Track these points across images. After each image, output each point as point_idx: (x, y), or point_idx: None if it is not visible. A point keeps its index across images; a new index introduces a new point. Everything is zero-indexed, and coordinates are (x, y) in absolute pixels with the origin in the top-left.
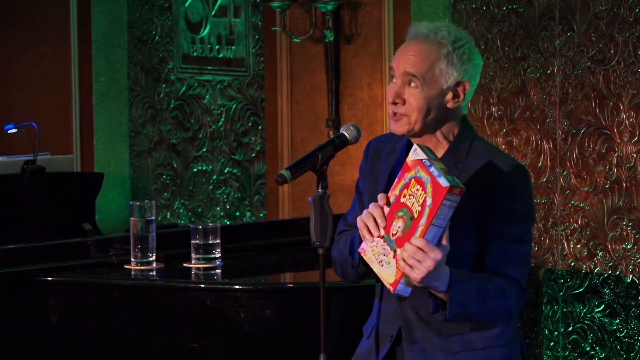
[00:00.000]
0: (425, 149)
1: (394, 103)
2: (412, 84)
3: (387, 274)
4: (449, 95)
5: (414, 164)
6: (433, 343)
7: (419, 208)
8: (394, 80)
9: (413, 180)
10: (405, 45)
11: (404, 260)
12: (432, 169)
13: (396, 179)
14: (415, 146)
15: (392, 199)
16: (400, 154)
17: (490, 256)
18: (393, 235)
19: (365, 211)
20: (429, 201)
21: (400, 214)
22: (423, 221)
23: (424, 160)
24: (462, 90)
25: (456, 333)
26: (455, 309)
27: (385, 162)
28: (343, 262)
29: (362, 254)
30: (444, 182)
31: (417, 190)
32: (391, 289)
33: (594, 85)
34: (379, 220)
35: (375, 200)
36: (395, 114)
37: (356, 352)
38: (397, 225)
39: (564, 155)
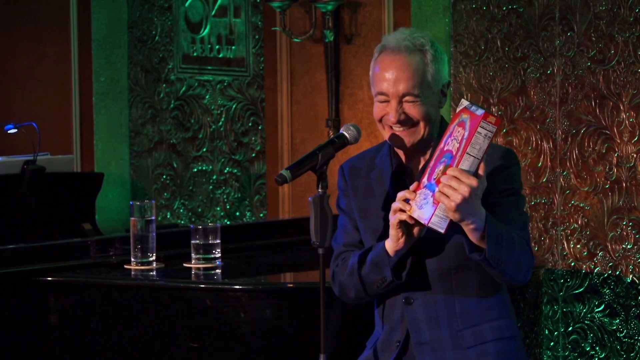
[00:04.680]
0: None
1: (399, 122)
2: (411, 100)
3: (423, 212)
4: (440, 96)
5: (459, 113)
6: (443, 341)
7: (458, 145)
8: (389, 101)
9: (456, 126)
10: (388, 65)
11: (440, 191)
12: (472, 107)
13: (443, 134)
14: (462, 100)
15: (437, 153)
16: (384, 164)
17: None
18: (434, 179)
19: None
20: (465, 134)
21: (443, 159)
22: (459, 153)
23: (466, 105)
24: (447, 88)
25: (467, 326)
26: (493, 248)
27: (366, 177)
28: (357, 286)
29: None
30: (479, 111)
31: (459, 132)
32: (426, 222)
33: (594, 85)
34: (408, 195)
35: (368, 216)
36: (394, 130)
37: None
38: (439, 170)
39: (564, 155)
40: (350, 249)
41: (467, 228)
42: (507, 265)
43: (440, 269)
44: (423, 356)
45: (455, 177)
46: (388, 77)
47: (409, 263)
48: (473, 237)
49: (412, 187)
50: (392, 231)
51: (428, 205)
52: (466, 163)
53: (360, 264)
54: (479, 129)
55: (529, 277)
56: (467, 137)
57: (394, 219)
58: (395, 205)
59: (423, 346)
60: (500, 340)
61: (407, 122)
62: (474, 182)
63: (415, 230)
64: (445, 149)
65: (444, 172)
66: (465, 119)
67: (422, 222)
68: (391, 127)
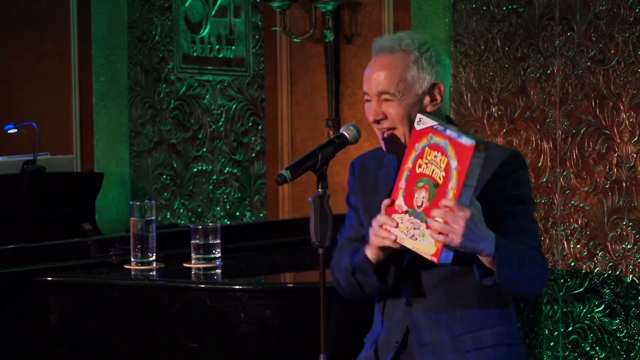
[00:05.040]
0: (427, 115)
1: (377, 121)
2: (388, 100)
3: (424, 246)
4: (427, 100)
5: (424, 133)
6: (443, 343)
7: (443, 173)
8: (370, 102)
9: (427, 148)
10: (371, 65)
11: (438, 229)
12: (448, 132)
13: (406, 152)
14: (419, 116)
15: (405, 172)
16: (392, 163)
17: (508, 232)
18: (419, 207)
19: (373, 222)
20: (454, 164)
21: (421, 184)
22: (452, 184)
23: (435, 127)
24: (438, 92)
25: (466, 332)
26: (504, 273)
27: (375, 175)
28: (353, 288)
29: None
30: (467, 141)
31: (435, 157)
32: (435, 259)
33: (594, 85)
34: (389, 223)
35: (371, 213)
36: (383, 134)
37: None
38: (421, 196)
39: (564, 155)
40: (354, 243)
41: (479, 255)
42: (520, 284)
43: (442, 273)
44: (424, 357)
45: (450, 210)
46: (368, 75)
47: (392, 270)
48: (486, 262)
49: (384, 205)
50: (372, 249)
51: (426, 239)
52: (465, 195)
53: (351, 266)
54: (473, 160)
55: (543, 288)
56: (458, 168)
57: (375, 241)
58: (375, 231)
59: (424, 347)
60: (499, 347)
61: (385, 122)
62: (467, 213)
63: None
64: (417, 171)
65: (432, 203)
66: (439, 142)
67: (426, 257)
68: (382, 133)
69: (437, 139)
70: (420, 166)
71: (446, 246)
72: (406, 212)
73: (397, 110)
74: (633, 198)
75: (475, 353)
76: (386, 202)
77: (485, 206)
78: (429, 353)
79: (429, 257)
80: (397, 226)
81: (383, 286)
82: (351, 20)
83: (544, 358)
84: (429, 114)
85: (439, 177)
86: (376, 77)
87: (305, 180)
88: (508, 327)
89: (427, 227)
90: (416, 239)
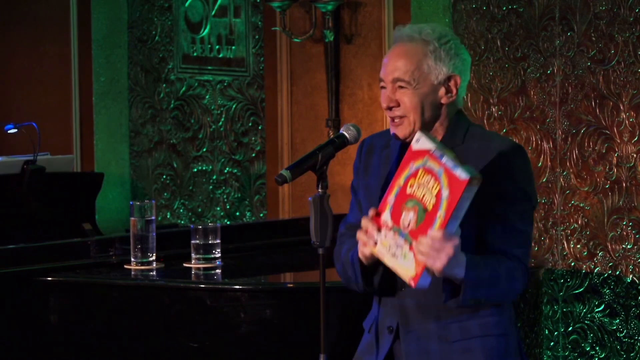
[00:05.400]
0: (427, 135)
1: (389, 108)
2: (403, 87)
3: (404, 267)
4: (442, 91)
5: (421, 154)
6: (429, 331)
7: (434, 200)
8: (385, 88)
9: (421, 170)
10: (390, 52)
11: (423, 254)
12: (444, 159)
13: (399, 167)
14: (418, 134)
15: (396, 189)
16: (396, 145)
17: (494, 236)
18: (405, 227)
19: (359, 230)
20: (445, 193)
21: (410, 205)
22: (441, 213)
23: (433, 151)
24: (454, 84)
25: (454, 320)
26: (468, 294)
27: (378, 156)
28: (348, 280)
29: (374, 250)
30: (462, 174)
31: (428, 181)
32: (412, 283)
33: (594, 85)
34: (370, 230)
35: (369, 192)
36: (393, 119)
37: (358, 349)
38: (409, 217)
39: (564, 155)
40: (353, 231)
41: (451, 278)
42: (489, 300)
43: None
44: (409, 344)
45: (439, 240)
46: (385, 62)
47: (380, 270)
48: (456, 281)
49: (370, 215)
50: (360, 255)
51: (408, 260)
52: (451, 225)
53: (347, 260)
54: (464, 194)
55: (517, 296)
56: (449, 198)
57: (360, 244)
58: (361, 237)
59: (410, 334)
60: (487, 337)
61: (397, 109)
62: (456, 241)
63: None
64: (407, 191)
65: (420, 227)
66: (434, 168)
67: (404, 279)
68: (392, 119)
69: (432, 164)
70: (411, 186)
71: (426, 270)
72: (391, 228)
73: (410, 99)
74: (633, 198)
75: (461, 344)
76: (371, 212)
77: (478, 202)
78: (414, 340)
79: (407, 280)
80: (379, 230)
81: (368, 288)
82: (351, 20)
83: (544, 358)
84: (429, 136)
85: (429, 203)
86: (392, 64)
87: (305, 180)
88: (498, 318)
89: (411, 248)
90: (397, 258)
